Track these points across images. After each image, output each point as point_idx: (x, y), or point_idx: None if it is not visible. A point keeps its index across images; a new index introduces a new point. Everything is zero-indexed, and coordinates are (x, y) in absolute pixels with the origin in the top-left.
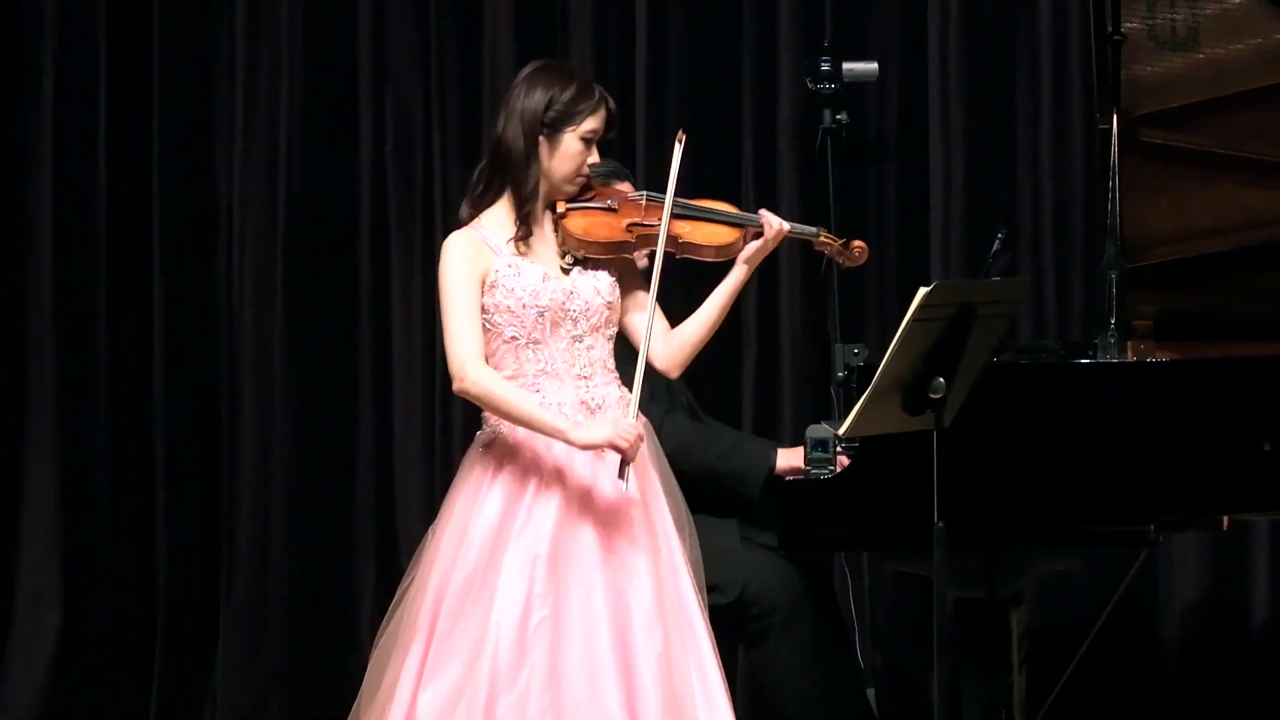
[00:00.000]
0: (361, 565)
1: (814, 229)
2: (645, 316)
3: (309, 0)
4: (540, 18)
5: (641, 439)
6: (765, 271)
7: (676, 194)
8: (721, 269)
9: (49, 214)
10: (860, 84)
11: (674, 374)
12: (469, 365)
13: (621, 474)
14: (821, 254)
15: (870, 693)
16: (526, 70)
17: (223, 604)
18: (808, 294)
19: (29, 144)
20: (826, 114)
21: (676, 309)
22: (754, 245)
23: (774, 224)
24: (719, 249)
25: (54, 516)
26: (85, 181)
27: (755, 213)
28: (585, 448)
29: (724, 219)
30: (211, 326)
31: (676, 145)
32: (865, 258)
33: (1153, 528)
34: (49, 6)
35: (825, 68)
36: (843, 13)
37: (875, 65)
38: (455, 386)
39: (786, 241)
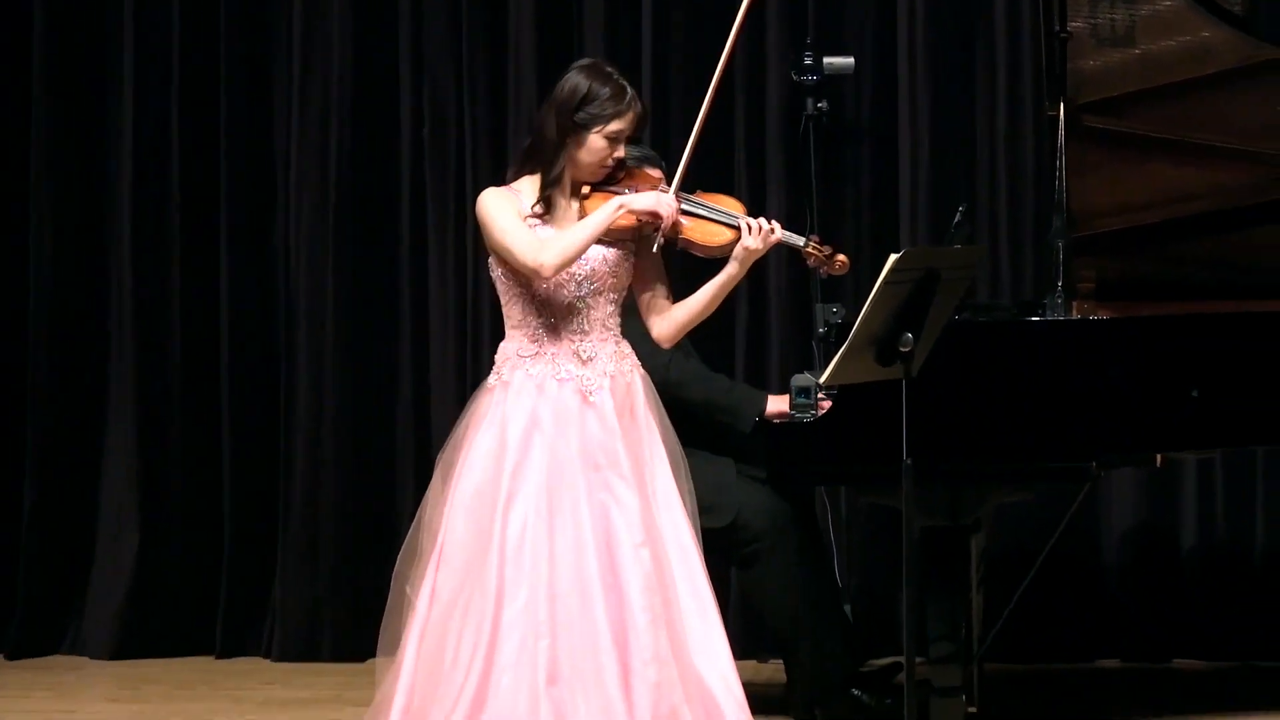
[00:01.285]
0: (401, 497)
1: (803, 239)
2: (654, 289)
3: (357, 3)
4: (558, 19)
5: (677, 212)
6: None
7: (689, 192)
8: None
9: (129, 191)
10: (838, 76)
11: (664, 345)
12: (540, 255)
13: (652, 243)
14: (806, 262)
15: (846, 609)
16: (574, 65)
17: (281, 531)
18: (792, 259)
19: (112, 132)
20: (809, 102)
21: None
22: (744, 246)
23: (763, 228)
24: (715, 248)
25: (132, 454)
26: (160, 162)
27: (755, 219)
28: (632, 212)
29: (724, 219)
30: (271, 288)
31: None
32: (846, 270)
33: (1094, 464)
34: (128, 11)
35: (808, 62)
36: (823, 14)
37: (851, 60)
38: (541, 279)
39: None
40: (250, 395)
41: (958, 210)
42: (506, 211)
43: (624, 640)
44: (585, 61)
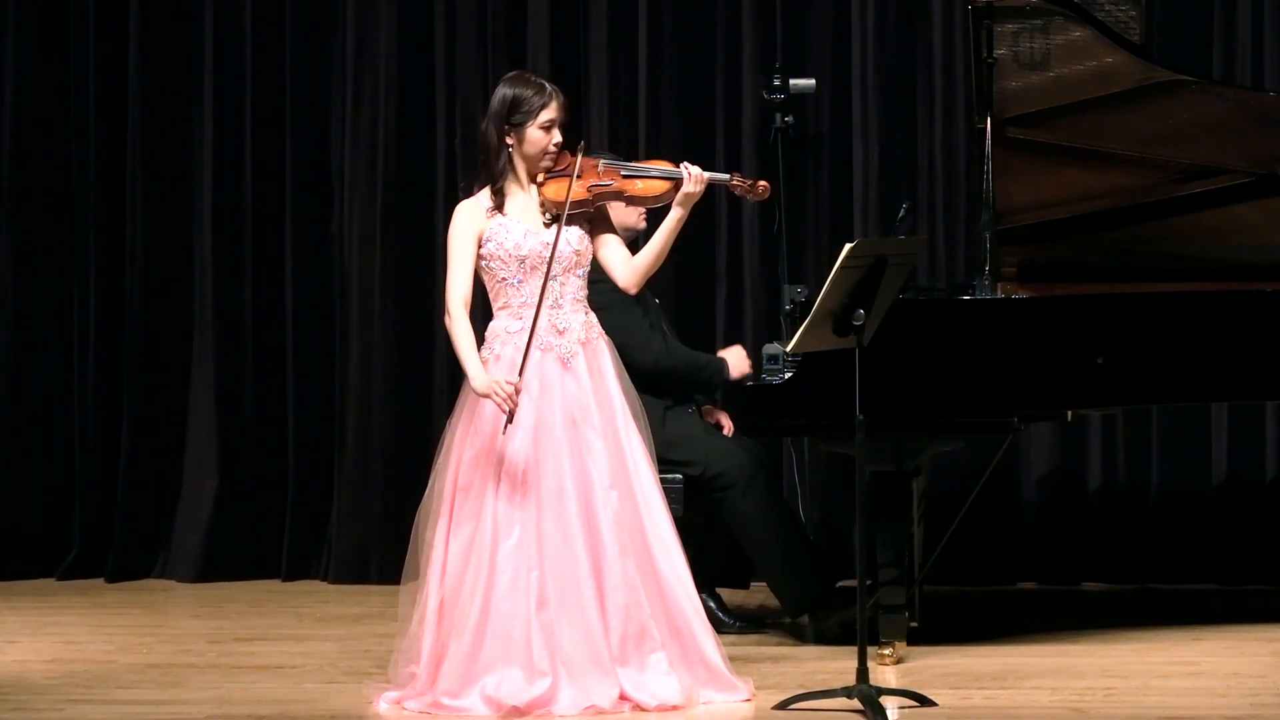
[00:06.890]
0: (439, 443)
1: (727, 175)
2: (613, 250)
3: (401, 30)
4: (568, 46)
5: (515, 396)
6: (731, 229)
7: (623, 160)
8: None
9: (210, 189)
10: (802, 95)
11: (631, 290)
12: (453, 306)
13: (504, 427)
14: (734, 193)
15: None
16: (502, 80)
17: (336, 474)
18: (764, 247)
19: (195, 137)
20: (778, 117)
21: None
22: (684, 191)
23: (694, 173)
24: (658, 197)
25: (212, 410)
26: (235, 165)
27: (680, 166)
28: (474, 391)
29: (659, 174)
30: (328, 270)
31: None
32: (768, 194)
33: (1016, 419)
34: (209, 39)
35: (776, 83)
36: (789, 42)
37: (813, 81)
38: (445, 319)
39: (724, 194)
40: (310, 360)
41: (902, 207)
42: (460, 241)
43: (599, 569)
44: (509, 75)
